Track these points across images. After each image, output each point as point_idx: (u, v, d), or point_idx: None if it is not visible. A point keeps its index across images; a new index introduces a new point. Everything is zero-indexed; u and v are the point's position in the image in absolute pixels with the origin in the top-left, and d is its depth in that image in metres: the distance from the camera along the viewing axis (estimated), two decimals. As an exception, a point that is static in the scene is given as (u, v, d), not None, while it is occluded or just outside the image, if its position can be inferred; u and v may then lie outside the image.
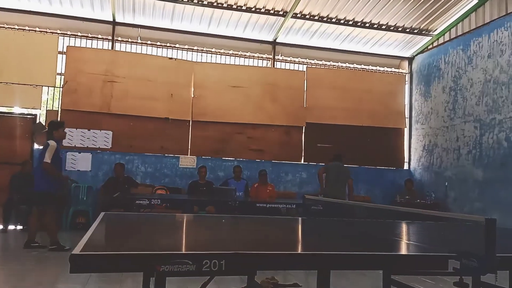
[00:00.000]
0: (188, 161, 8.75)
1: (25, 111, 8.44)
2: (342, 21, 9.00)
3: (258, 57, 9.63)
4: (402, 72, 10.32)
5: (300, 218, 3.62)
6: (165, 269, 1.35)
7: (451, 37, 9.03)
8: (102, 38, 8.88)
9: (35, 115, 8.45)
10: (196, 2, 8.32)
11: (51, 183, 5.57)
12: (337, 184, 7.26)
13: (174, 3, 8.33)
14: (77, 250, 1.35)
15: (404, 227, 3.09)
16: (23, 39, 8.24)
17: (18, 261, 4.95)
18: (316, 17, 8.89)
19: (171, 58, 8.99)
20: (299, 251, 1.99)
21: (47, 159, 5.47)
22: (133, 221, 2.89)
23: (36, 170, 5.87)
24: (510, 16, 7.51)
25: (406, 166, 10.01)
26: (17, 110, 8.45)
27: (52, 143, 5.60)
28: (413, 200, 8.61)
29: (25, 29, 8.40)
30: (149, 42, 9.08)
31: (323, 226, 2.99)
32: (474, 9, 8.40)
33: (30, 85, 8.13)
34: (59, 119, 8.24)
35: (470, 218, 1.83)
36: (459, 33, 8.80)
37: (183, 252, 1.55)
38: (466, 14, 8.59)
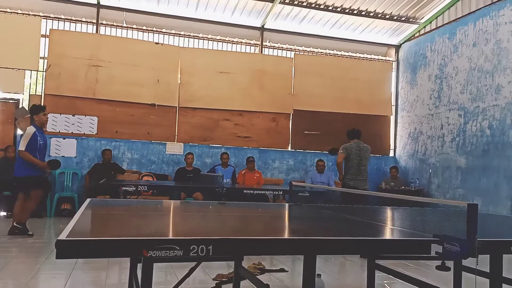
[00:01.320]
0: (175, 147, 8.71)
1: (8, 95, 8.26)
2: (330, 8, 8.97)
3: (246, 43, 9.57)
4: (389, 60, 10.37)
5: (286, 204, 3.66)
6: (152, 254, 1.35)
7: (438, 25, 9.09)
8: (86, 22, 8.69)
9: (18, 99, 8.28)
10: (183, -14, 8.18)
11: (28, 168, 5.49)
12: (360, 170, 5.82)
13: (160, -13, 8.18)
14: (63, 236, 1.34)
15: (388, 212, 3.15)
16: (4, 22, 8.02)
17: (1, 248, 4.90)
18: (304, 3, 8.84)
19: (157, 43, 8.86)
20: (286, 236, 2.01)
21: (21, 147, 5.41)
22: (119, 208, 2.88)
23: (17, 156, 5.81)
24: (496, 5, 7.58)
25: (391, 153, 10.14)
26: (-1, 94, 8.27)
27: (29, 129, 5.51)
28: (398, 186, 8.76)
29: (6, 11, 8.17)
30: (134, 26, 8.92)
31: (309, 212, 3.02)
32: (461, -3, 8.45)
33: (12, 68, 7.95)
34: (42, 104, 8.10)
35: (452, 203, 1.88)
36: (446, 21, 8.87)
37: (171, 237, 1.55)
38: (453, 3, 8.64)
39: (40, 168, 5.62)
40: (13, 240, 5.35)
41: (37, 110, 5.66)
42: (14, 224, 5.51)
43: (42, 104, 7.98)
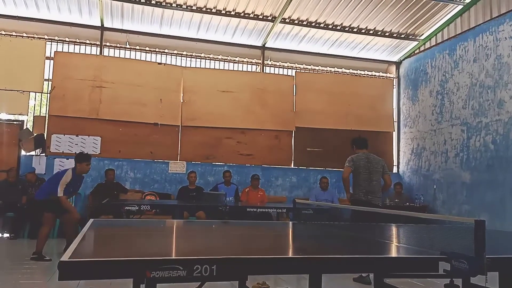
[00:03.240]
0: (177, 166, 8.70)
1: (12, 117, 8.33)
2: (330, 26, 9.08)
3: (247, 62, 9.66)
4: (389, 77, 10.43)
5: (290, 223, 3.63)
6: (156, 275, 1.33)
7: (437, 42, 9.16)
8: (90, 44, 8.82)
9: (22, 121, 8.35)
10: (185, 7, 8.32)
11: (47, 193, 5.57)
12: (372, 185, 5.10)
13: (162, 9, 8.31)
14: (66, 257, 1.33)
15: (394, 230, 3.11)
16: (10, 45, 8.14)
17: (4, 270, 4.85)
18: (304, 22, 8.95)
19: (160, 63, 8.96)
20: (290, 255, 1.99)
21: (60, 193, 5.46)
22: (122, 228, 2.86)
23: (47, 182, 5.92)
24: (495, 20, 7.66)
25: (395, 170, 10.08)
26: (3, 116, 8.33)
27: (67, 176, 5.54)
28: (403, 203, 8.68)
29: (12, 35, 8.31)
30: (137, 47, 9.04)
31: (314, 230, 2.99)
32: (460, 14, 8.54)
33: (17, 90, 8.03)
34: (46, 125, 8.17)
35: (459, 220, 1.85)
36: (445, 37, 8.94)
37: (174, 257, 1.53)
38: (452, 19, 8.73)
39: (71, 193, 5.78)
40: (16, 262, 5.31)
41: (81, 160, 5.70)
42: (33, 253, 5.49)
43: (46, 125, 8.06)
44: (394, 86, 10.33)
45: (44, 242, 5.57)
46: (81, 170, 5.73)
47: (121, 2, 8.13)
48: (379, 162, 5.26)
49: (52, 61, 8.33)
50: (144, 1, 8.11)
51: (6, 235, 7.46)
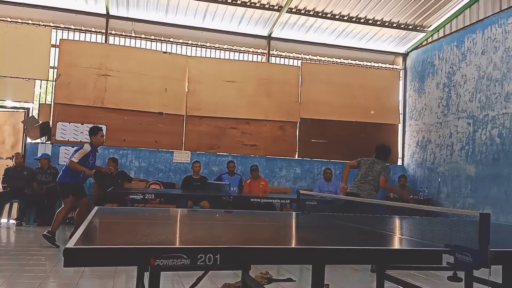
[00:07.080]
0: (182, 156, 8.72)
1: (18, 104, 8.37)
2: (337, 16, 8.99)
3: (252, 52, 9.61)
4: (396, 68, 10.34)
5: (294, 213, 3.63)
6: (160, 263, 1.34)
7: (446, 34, 9.06)
8: (95, 32, 8.80)
9: (28, 108, 8.38)
10: (191, -5, 8.26)
11: (70, 176, 5.69)
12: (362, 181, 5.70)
13: (168, -3, 8.26)
14: (71, 244, 1.34)
15: (398, 222, 3.11)
16: (15, 32, 8.14)
17: (9, 256, 4.91)
18: (311, 12, 8.87)
19: (165, 52, 8.93)
20: (294, 245, 1.99)
21: (75, 159, 5.61)
22: (127, 216, 2.88)
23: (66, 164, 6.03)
24: (504, 13, 7.55)
25: (399, 162, 10.06)
26: (9, 103, 8.37)
27: (85, 147, 5.74)
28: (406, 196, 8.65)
29: (17, 22, 8.30)
30: (143, 35, 9.02)
31: (317, 221, 2.99)
32: (469, 5, 8.43)
33: (23, 78, 8.05)
34: (52, 112, 8.20)
35: (464, 213, 1.85)
36: (453, 29, 8.83)
37: (178, 246, 1.54)
38: (461, 11, 8.62)
39: (86, 175, 5.84)
40: (21, 248, 5.37)
41: (95, 131, 5.91)
42: (47, 232, 5.55)
43: (52, 113, 8.10)
44: (401, 78, 10.26)
45: (59, 223, 5.67)
46: (97, 142, 5.91)
47: (127, -10, 8.08)
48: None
49: (57, 48, 8.33)
50: (149, -11, 8.06)
51: (12, 221, 7.54)
